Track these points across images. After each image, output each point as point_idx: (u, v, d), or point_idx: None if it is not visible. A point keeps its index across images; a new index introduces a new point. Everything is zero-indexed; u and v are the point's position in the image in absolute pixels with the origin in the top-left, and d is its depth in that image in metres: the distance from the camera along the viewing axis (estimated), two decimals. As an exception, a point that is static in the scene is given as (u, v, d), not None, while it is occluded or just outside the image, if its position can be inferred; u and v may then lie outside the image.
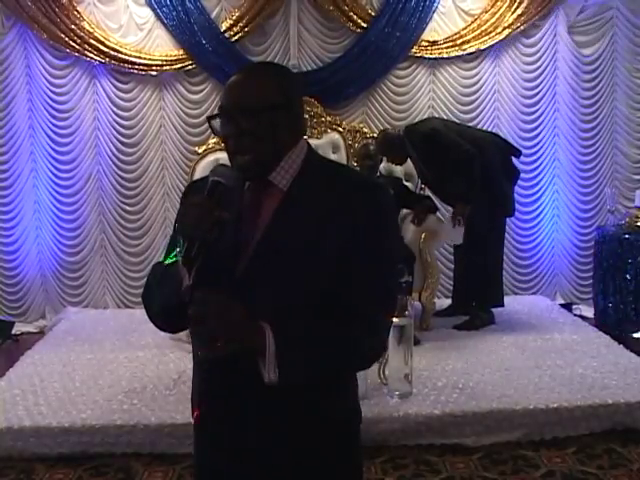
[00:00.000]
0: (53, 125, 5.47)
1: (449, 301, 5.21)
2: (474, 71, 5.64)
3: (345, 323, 1.34)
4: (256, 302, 1.31)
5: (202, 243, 1.28)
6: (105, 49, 5.32)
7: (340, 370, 1.42)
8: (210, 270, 1.32)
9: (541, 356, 4.22)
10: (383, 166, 5.01)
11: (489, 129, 5.48)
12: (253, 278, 1.35)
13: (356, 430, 1.50)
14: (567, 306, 5.55)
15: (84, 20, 5.30)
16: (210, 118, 1.41)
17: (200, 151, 5.43)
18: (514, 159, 4.94)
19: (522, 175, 5.18)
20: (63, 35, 5.27)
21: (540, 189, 5.78)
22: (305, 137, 1.48)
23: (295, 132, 1.41)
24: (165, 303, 1.38)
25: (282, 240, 1.35)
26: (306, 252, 1.33)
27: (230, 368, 1.34)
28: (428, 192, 5.11)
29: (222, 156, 5.18)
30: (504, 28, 5.50)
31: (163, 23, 5.40)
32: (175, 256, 1.35)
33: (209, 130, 5.94)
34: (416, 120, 5.26)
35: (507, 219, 5.02)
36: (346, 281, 1.34)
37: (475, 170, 4.54)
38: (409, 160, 4.98)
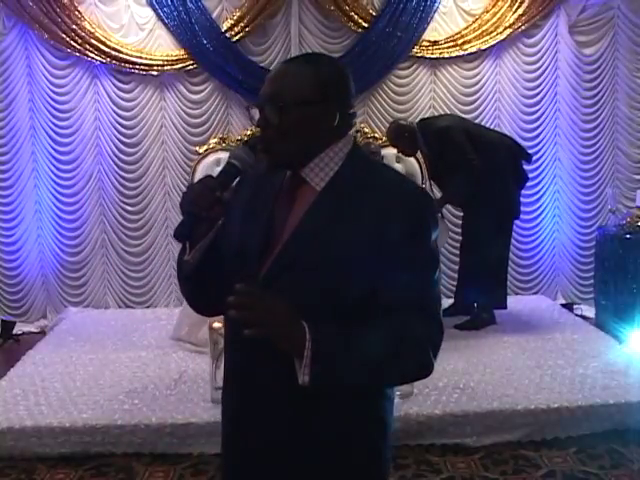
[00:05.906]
0: (54, 125, 5.47)
1: (450, 301, 5.21)
2: (475, 71, 5.64)
3: (385, 321, 1.29)
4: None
5: (198, 219, 1.29)
6: (106, 49, 5.32)
7: (395, 368, 1.34)
8: (236, 259, 1.34)
9: (542, 356, 4.22)
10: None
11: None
12: (275, 277, 1.32)
13: (382, 440, 1.49)
14: (568, 306, 5.54)
15: (85, 20, 5.30)
16: (249, 106, 1.41)
17: (201, 151, 5.44)
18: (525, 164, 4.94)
19: (523, 175, 5.18)
20: (64, 35, 5.27)
21: (541, 189, 5.77)
22: (351, 133, 1.41)
23: (332, 129, 1.34)
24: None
25: (308, 245, 1.30)
26: (334, 257, 1.28)
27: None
28: (434, 190, 5.11)
29: (223, 156, 5.18)
30: (505, 28, 5.50)
31: (164, 23, 5.40)
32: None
33: (210, 130, 5.88)
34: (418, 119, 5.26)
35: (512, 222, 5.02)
36: (382, 285, 1.28)
37: (470, 180, 4.55)
38: (412, 158, 4.97)
